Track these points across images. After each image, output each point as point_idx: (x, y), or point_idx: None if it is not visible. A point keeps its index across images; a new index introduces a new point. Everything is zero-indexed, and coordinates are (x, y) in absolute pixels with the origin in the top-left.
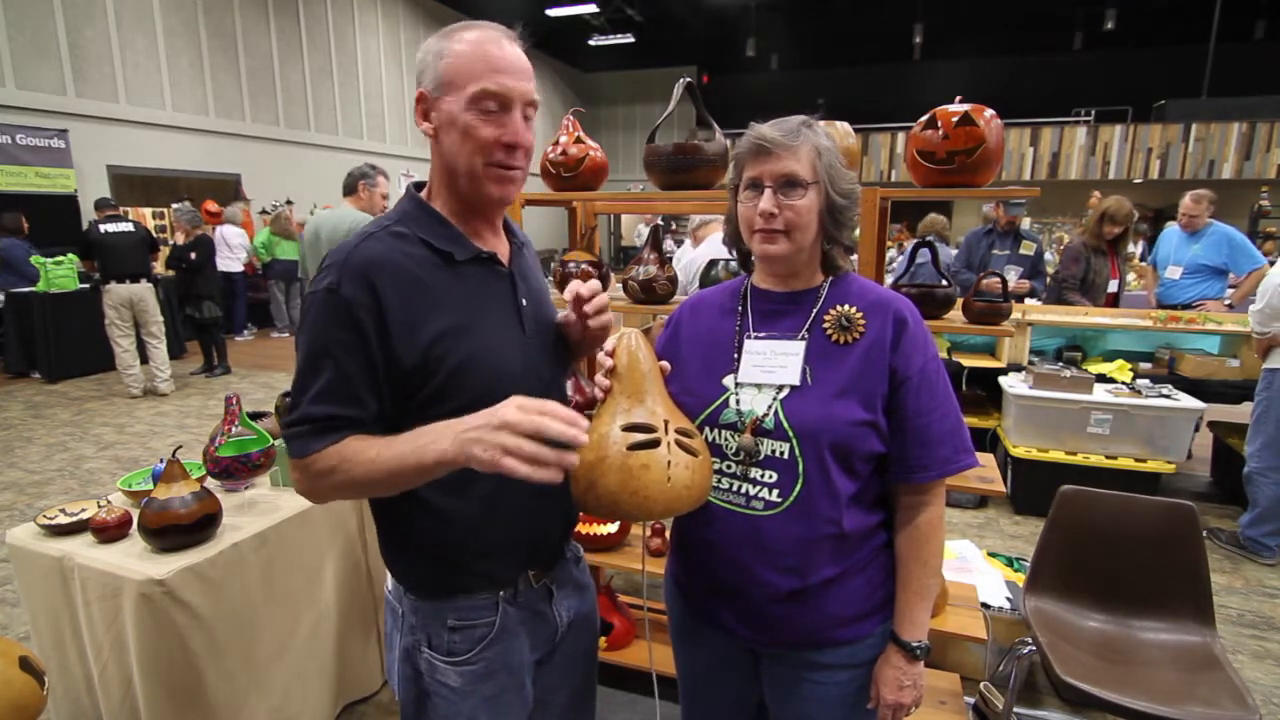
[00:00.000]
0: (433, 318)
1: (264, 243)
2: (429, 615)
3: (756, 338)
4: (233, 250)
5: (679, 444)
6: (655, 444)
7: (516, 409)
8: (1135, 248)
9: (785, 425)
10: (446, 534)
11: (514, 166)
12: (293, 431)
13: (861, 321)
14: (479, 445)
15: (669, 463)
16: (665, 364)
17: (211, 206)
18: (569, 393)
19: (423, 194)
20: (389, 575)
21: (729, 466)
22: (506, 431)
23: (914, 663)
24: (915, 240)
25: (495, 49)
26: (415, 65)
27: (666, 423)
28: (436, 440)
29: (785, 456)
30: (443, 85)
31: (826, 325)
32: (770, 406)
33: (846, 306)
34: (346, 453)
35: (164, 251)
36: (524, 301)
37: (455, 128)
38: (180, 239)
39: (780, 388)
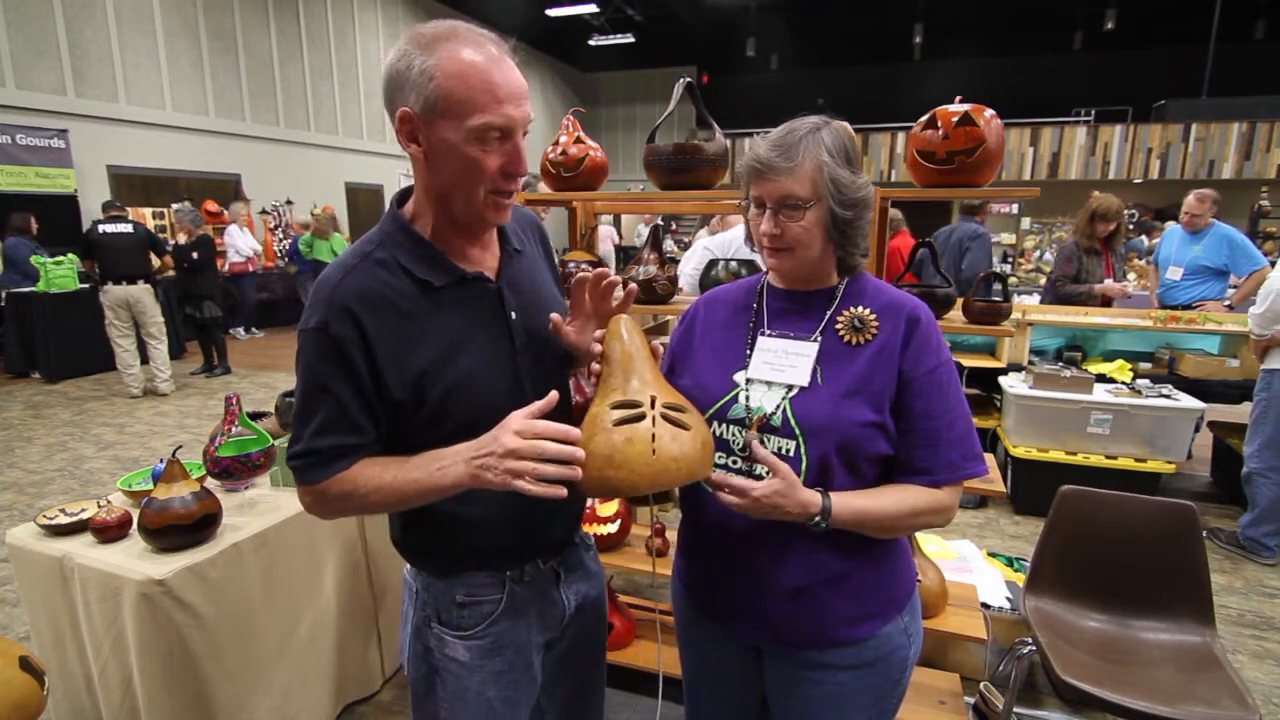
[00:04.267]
0: (417, 351)
1: (307, 241)
2: (439, 591)
3: (769, 335)
4: (240, 250)
5: (665, 417)
6: (640, 418)
7: (516, 434)
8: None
9: (793, 423)
10: (455, 530)
11: (512, 191)
12: (300, 463)
13: (874, 323)
14: (489, 471)
15: (653, 436)
16: (657, 345)
17: (211, 206)
18: (570, 394)
19: (406, 207)
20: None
21: (734, 462)
22: (512, 458)
23: (806, 510)
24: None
25: (496, 73)
26: (388, 72)
27: (653, 398)
28: (449, 467)
29: (791, 454)
30: (437, 110)
31: (839, 326)
32: (779, 405)
33: (860, 308)
34: (359, 479)
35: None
36: (513, 315)
37: (453, 157)
38: (182, 239)
39: (790, 386)
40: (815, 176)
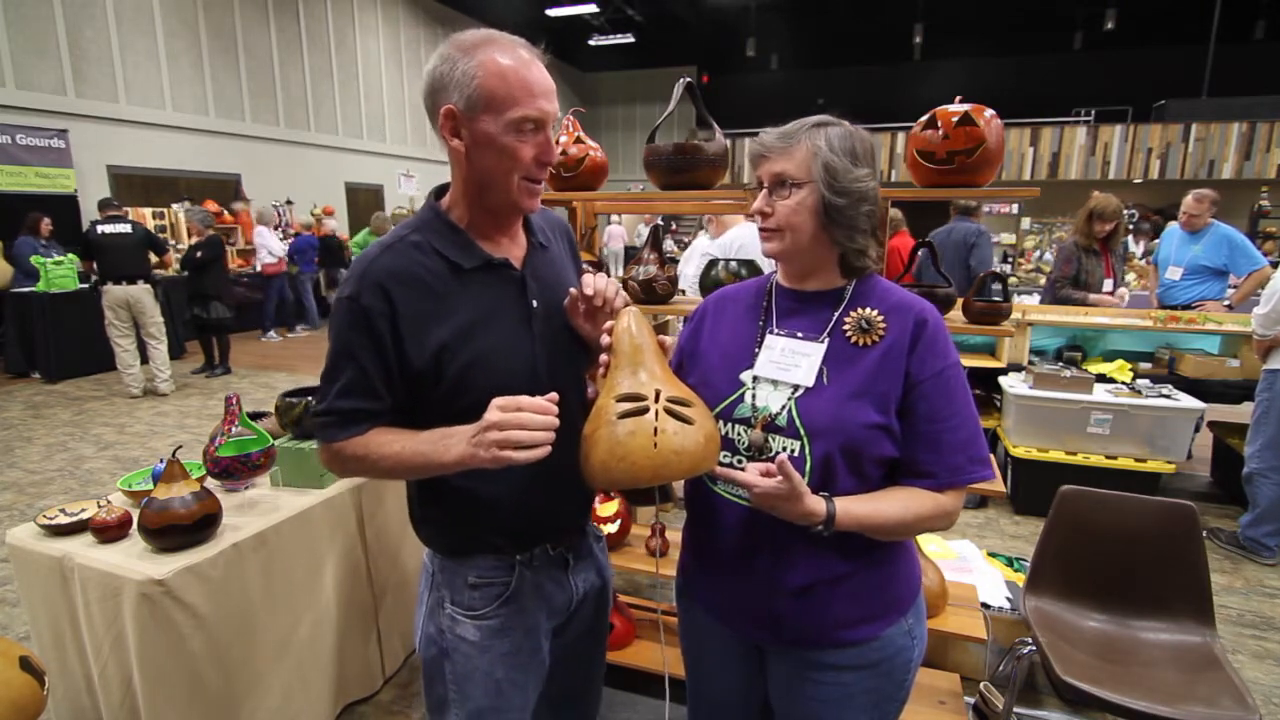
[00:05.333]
0: (440, 324)
1: (360, 243)
2: (453, 573)
3: (777, 334)
4: (272, 251)
5: (669, 411)
6: (643, 411)
7: (497, 409)
8: (1138, 247)
9: (797, 423)
10: (467, 510)
11: (541, 179)
12: (321, 421)
13: (882, 324)
14: (480, 447)
15: (655, 429)
16: (665, 338)
17: (212, 206)
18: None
19: (444, 199)
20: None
21: (740, 461)
22: (494, 430)
23: (808, 518)
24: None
25: (533, 73)
26: (432, 75)
27: (658, 391)
28: (452, 446)
29: (795, 455)
30: (479, 106)
31: (847, 327)
32: (785, 404)
33: (868, 309)
34: (371, 444)
35: (173, 251)
36: (535, 303)
37: (493, 148)
38: (193, 239)
39: (796, 386)
40: (808, 160)
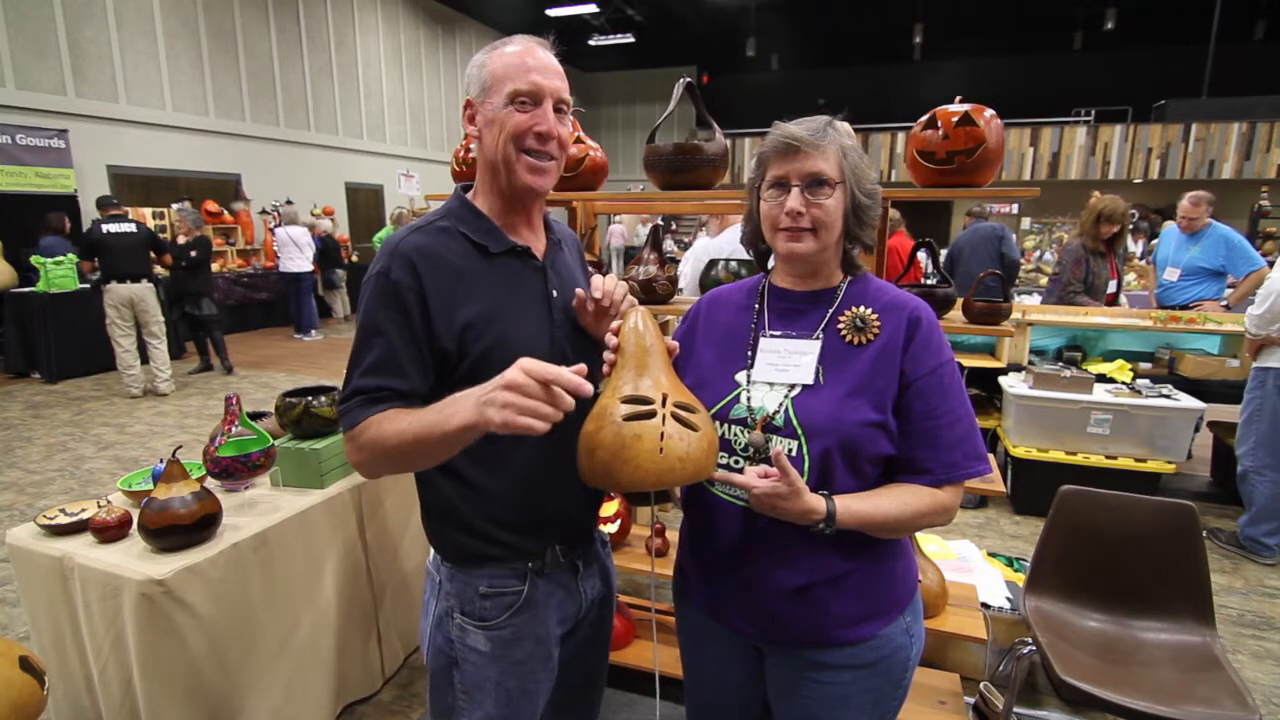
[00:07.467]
0: (466, 304)
1: (382, 237)
2: (463, 583)
3: (771, 336)
4: (302, 250)
5: (675, 417)
6: (650, 415)
7: (520, 370)
8: (1136, 246)
9: (794, 423)
10: (477, 505)
11: (546, 155)
12: (346, 405)
13: (876, 323)
14: (491, 407)
15: (662, 434)
16: (673, 342)
17: (211, 206)
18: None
19: (470, 194)
20: (430, 546)
21: (737, 462)
22: (512, 391)
23: (808, 516)
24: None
25: (529, 55)
26: (466, 78)
27: (665, 396)
28: (459, 409)
29: (793, 454)
30: (485, 90)
31: (841, 326)
32: (781, 404)
33: (862, 308)
34: (385, 422)
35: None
36: (554, 292)
37: (495, 123)
38: (181, 239)
39: (792, 386)
40: (840, 160)
